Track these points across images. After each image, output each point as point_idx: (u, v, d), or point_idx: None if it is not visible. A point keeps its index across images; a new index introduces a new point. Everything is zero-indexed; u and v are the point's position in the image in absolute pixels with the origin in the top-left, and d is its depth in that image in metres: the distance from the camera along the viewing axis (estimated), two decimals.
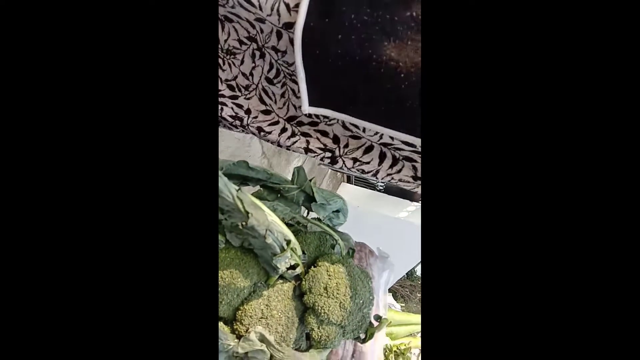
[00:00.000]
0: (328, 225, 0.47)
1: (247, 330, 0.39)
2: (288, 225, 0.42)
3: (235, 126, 0.48)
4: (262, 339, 0.38)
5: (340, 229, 0.50)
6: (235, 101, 0.46)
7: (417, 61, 0.33)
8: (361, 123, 0.39)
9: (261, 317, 0.40)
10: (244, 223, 0.36)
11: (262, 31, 0.40)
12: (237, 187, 0.35)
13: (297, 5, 0.35)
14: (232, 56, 0.43)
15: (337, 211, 0.49)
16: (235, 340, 0.38)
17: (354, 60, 0.35)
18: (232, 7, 0.37)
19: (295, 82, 0.42)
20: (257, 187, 0.49)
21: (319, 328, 0.40)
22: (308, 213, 0.50)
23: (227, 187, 0.33)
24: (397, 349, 0.83)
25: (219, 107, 0.47)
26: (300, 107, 0.40)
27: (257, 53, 0.42)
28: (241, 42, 0.42)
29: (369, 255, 0.59)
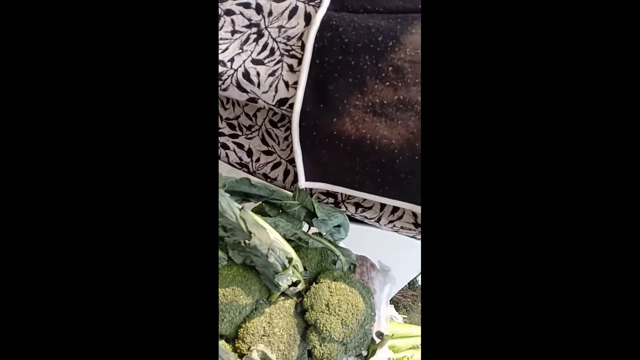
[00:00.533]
0: (329, 241, 0.47)
1: (249, 348, 0.39)
2: (289, 241, 0.43)
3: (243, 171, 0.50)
4: (264, 358, 0.38)
5: (341, 243, 0.51)
6: (236, 140, 0.47)
7: (408, 137, 0.36)
8: (357, 194, 0.42)
9: (263, 335, 0.40)
10: (246, 241, 0.37)
11: None
12: (239, 207, 0.36)
13: (295, 83, 0.38)
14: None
15: (338, 226, 0.49)
16: (237, 359, 0.38)
17: (349, 139, 0.37)
18: (225, 89, 0.39)
19: None
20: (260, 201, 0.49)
21: (320, 345, 0.40)
22: (309, 228, 0.50)
23: (230, 207, 0.33)
24: None
25: (224, 152, 0.48)
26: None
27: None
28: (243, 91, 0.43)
29: (370, 269, 0.59)
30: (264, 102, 0.40)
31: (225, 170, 0.47)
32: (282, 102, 0.39)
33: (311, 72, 0.37)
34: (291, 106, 0.38)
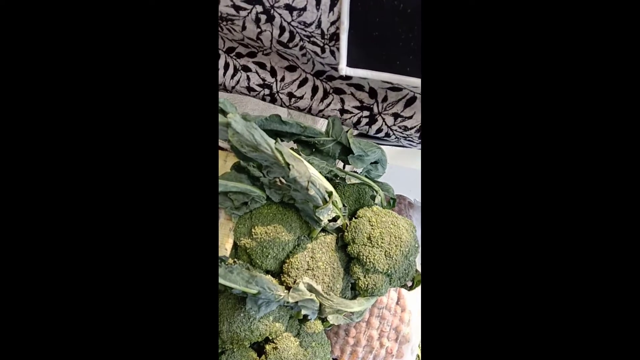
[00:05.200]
0: (366, 176, 0.45)
1: (294, 281, 0.40)
2: (326, 179, 0.42)
3: (266, 97, 0.46)
4: (311, 289, 0.39)
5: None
6: (255, 59, 0.43)
7: None
8: (400, 79, 0.36)
9: (307, 269, 0.40)
10: (284, 177, 0.36)
11: None
12: (273, 140, 0.34)
13: None
14: (230, 22, 0.39)
15: (376, 162, 0.47)
16: (285, 291, 0.39)
17: (406, 12, 0.32)
18: None
19: (316, 44, 0.39)
20: (290, 145, 0.48)
21: (365, 277, 0.40)
22: (344, 166, 0.48)
23: (264, 140, 0.32)
24: None
25: (245, 75, 0.44)
26: (327, 64, 0.37)
27: (263, 17, 0.38)
28: (238, 8, 0.38)
29: (408, 207, 0.58)
30: None
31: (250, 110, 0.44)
32: None
33: None
34: None
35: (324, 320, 0.43)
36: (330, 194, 0.38)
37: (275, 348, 0.40)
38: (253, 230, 0.40)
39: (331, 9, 0.36)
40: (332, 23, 0.37)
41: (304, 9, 0.36)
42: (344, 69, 0.37)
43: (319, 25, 0.37)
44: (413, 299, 0.52)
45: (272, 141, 0.32)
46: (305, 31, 0.38)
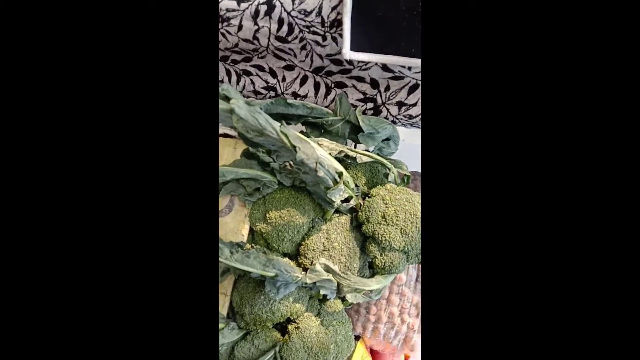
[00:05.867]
0: (378, 154, 0.44)
1: (311, 263, 0.40)
2: (336, 160, 0.41)
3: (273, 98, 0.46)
4: (328, 269, 0.40)
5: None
6: (252, 63, 0.42)
7: None
8: (404, 61, 0.35)
9: (323, 250, 0.40)
10: (292, 160, 0.35)
11: None
12: (279, 123, 0.33)
13: None
14: (226, 23, 0.38)
15: (387, 139, 0.46)
16: (302, 272, 0.40)
17: None
18: None
19: (316, 33, 0.38)
20: (299, 127, 0.47)
21: (381, 255, 0.40)
22: (355, 146, 0.47)
23: (269, 123, 0.31)
24: None
25: (248, 79, 0.44)
26: (327, 55, 0.37)
27: (263, 8, 0.37)
28: (240, 0, 0.37)
29: None
30: None
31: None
32: None
33: None
34: None
35: (343, 299, 0.43)
36: (340, 174, 0.38)
37: (298, 328, 0.41)
38: (267, 215, 0.41)
39: None
40: (333, 8, 0.36)
41: None
42: (348, 53, 0.36)
43: (319, 13, 0.37)
44: None
45: (276, 124, 0.31)
46: (305, 21, 0.38)
